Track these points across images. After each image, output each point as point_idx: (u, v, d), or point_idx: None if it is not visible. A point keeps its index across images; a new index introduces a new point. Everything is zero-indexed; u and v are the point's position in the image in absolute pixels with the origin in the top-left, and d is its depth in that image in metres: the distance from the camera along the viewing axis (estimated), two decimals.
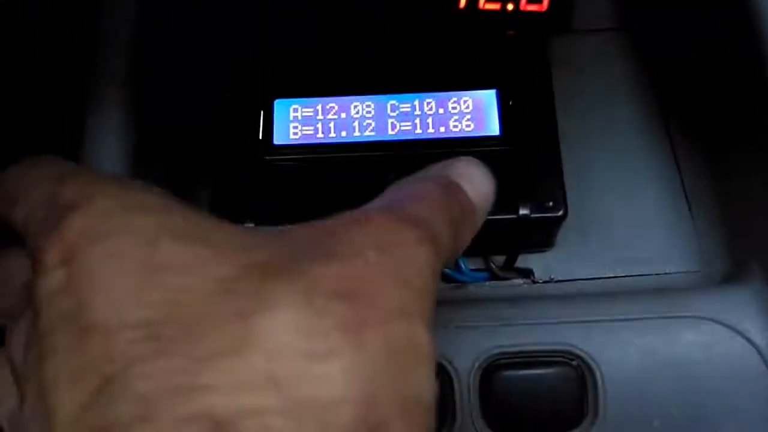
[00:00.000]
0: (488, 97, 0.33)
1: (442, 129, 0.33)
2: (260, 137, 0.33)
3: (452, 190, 0.20)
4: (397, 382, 0.15)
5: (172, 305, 0.15)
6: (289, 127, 0.33)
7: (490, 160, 0.31)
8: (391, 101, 0.33)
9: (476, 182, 0.21)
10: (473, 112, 0.33)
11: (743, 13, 0.30)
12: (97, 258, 0.16)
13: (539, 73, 0.34)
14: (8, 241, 0.20)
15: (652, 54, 0.38)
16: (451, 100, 0.33)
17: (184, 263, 0.16)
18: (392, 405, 0.15)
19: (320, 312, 0.15)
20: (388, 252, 0.17)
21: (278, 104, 0.33)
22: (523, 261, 0.35)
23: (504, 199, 0.31)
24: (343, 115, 0.33)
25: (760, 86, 0.29)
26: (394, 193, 0.19)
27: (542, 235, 0.34)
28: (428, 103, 0.33)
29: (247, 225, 0.31)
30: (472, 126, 0.33)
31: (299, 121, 0.33)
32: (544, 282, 0.35)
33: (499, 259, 0.35)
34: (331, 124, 0.33)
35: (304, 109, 0.33)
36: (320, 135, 0.33)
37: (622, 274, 0.34)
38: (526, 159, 0.32)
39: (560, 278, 0.35)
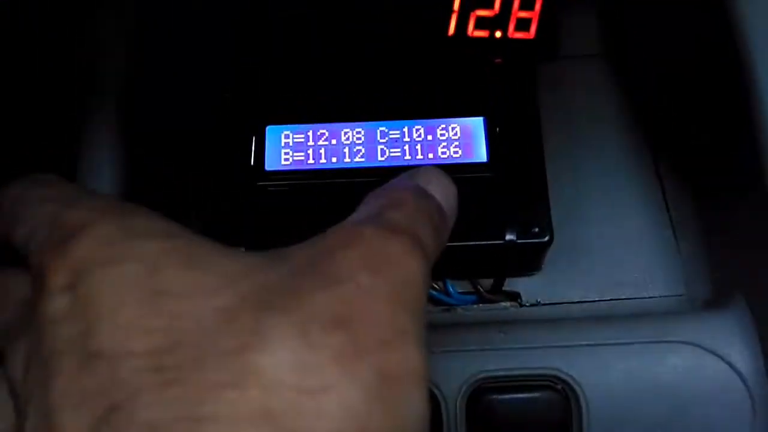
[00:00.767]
0: (476, 124, 0.34)
1: (431, 155, 0.33)
2: (252, 163, 0.33)
3: (424, 195, 0.21)
4: (391, 408, 0.16)
5: (175, 333, 0.15)
6: (280, 153, 0.34)
7: (478, 187, 0.33)
8: (381, 128, 0.34)
9: (443, 188, 0.21)
10: (461, 139, 0.34)
11: (729, 42, 0.30)
12: (102, 284, 0.16)
13: (526, 100, 0.34)
14: (5, 257, 0.20)
15: (638, 80, 0.39)
16: (440, 127, 0.34)
17: (185, 290, 0.16)
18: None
19: (314, 345, 0.15)
20: (380, 272, 0.17)
21: (270, 130, 0.34)
22: (510, 284, 0.35)
23: (491, 225, 0.32)
24: (334, 142, 0.34)
25: (746, 114, 0.30)
26: (372, 204, 0.20)
27: (529, 260, 0.34)
28: (417, 130, 0.34)
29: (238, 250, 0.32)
30: (460, 152, 0.33)
31: (290, 147, 0.34)
32: (531, 305, 0.35)
33: (487, 283, 0.36)
34: (322, 150, 0.34)
35: (295, 136, 0.34)
36: (311, 161, 0.34)
37: (608, 298, 0.35)
38: (512, 185, 0.33)
39: (547, 301, 0.35)
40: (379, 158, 0.33)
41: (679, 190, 0.36)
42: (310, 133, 0.34)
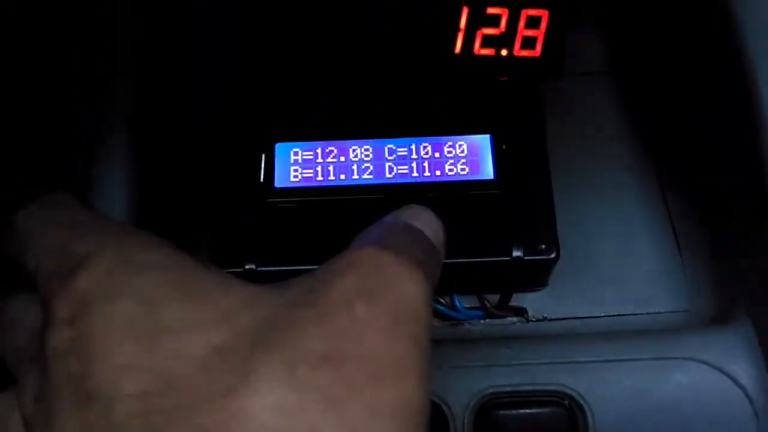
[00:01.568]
0: (483, 141, 0.34)
1: (438, 172, 0.34)
2: (262, 180, 0.34)
3: (414, 230, 0.21)
4: None
5: (167, 375, 0.16)
6: (290, 170, 0.34)
7: (485, 204, 0.33)
8: (389, 145, 0.34)
9: (431, 225, 0.21)
10: (468, 156, 0.34)
11: (734, 59, 0.31)
12: (99, 321, 0.16)
13: (532, 118, 0.35)
14: (18, 281, 0.21)
15: (643, 97, 0.39)
16: (447, 145, 0.34)
17: (181, 326, 0.16)
18: None
19: (301, 386, 0.15)
20: (377, 299, 0.17)
21: (279, 147, 0.35)
22: (517, 300, 0.36)
23: (497, 242, 0.32)
24: (342, 159, 0.34)
25: (752, 132, 0.30)
26: (366, 237, 0.20)
27: (535, 276, 0.34)
28: (424, 147, 0.34)
29: (248, 266, 0.32)
30: (467, 170, 0.34)
31: (300, 164, 0.34)
32: (538, 320, 0.35)
33: (494, 298, 0.36)
34: (331, 167, 0.34)
35: (304, 153, 0.34)
36: (320, 178, 0.34)
37: (614, 313, 0.35)
38: (519, 202, 0.33)
39: (553, 317, 0.35)
40: (387, 175, 0.34)
41: (684, 206, 0.37)
42: (318, 150, 0.34)
